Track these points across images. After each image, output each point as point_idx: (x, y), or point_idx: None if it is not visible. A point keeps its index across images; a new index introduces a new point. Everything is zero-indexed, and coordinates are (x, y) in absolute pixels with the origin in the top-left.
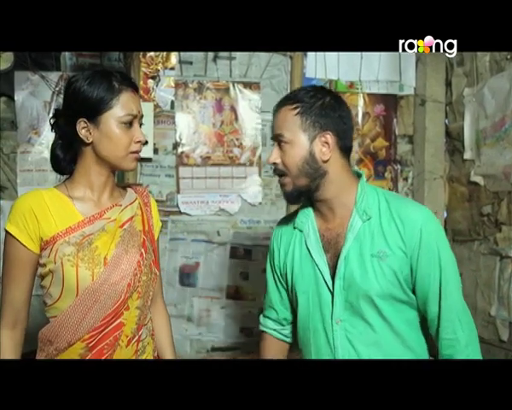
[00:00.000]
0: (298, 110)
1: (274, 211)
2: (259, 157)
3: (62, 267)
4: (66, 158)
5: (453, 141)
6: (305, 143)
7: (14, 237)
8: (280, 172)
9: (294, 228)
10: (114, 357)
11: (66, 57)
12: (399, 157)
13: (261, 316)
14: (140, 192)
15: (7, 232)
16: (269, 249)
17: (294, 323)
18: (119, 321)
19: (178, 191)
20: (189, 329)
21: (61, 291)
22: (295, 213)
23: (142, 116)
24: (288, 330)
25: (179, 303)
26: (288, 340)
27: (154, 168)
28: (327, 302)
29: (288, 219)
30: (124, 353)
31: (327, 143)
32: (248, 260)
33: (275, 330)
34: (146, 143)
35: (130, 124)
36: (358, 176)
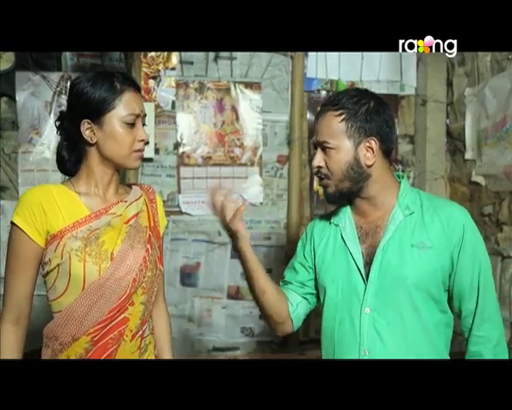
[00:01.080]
0: (343, 117)
1: (275, 211)
2: (260, 157)
3: (70, 262)
4: (71, 159)
5: (454, 141)
6: (350, 148)
7: (21, 229)
8: (323, 176)
9: (330, 223)
10: (118, 352)
11: (67, 57)
12: (400, 157)
13: None
14: (145, 189)
15: (13, 225)
16: (301, 237)
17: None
18: (123, 316)
19: (179, 191)
20: (190, 329)
21: (67, 285)
22: (332, 212)
23: (144, 115)
24: (289, 294)
25: (180, 303)
26: (291, 307)
27: (155, 168)
28: (358, 291)
29: (325, 216)
30: (128, 348)
31: (371, 148)
32: None
33: (286, 289)
34: (147, 142)
35: (133, 123)
36: (400, 177)
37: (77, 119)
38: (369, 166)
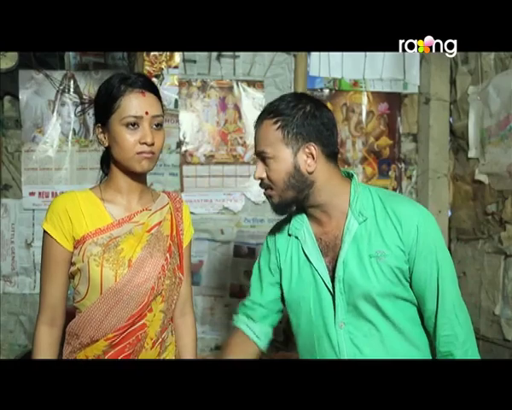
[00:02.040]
0: (279, 124)
1: None
2: None
3: (88, 266)
4: (105, 162)
5: (457, 139)
6: (289, 156)
7: (50, 235)
8: (266, 187)
9: (289, 235)
10: (139, 358)
11: (71, 56)
12: (403, 156)
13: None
14: (173, 197)
15: (44, 231)
16: (261, 251)
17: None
18: (142, 322)
19: (182, 190)
20: None
21: (87, 289)
22: (288, 220)
23: (155, 116)
24: (258, 329)
25: None
26: (258, 341)
27: (157, 167)
28: (328, 306)
29: (282, 225)
30: (148, 355)
31: (311, 154)
32: (252, 259)
33: (246, 325)
34: (152, 144)
35: (137, 125)
36: (350, 175)
37: (95, 124)
38: (311, 173)
